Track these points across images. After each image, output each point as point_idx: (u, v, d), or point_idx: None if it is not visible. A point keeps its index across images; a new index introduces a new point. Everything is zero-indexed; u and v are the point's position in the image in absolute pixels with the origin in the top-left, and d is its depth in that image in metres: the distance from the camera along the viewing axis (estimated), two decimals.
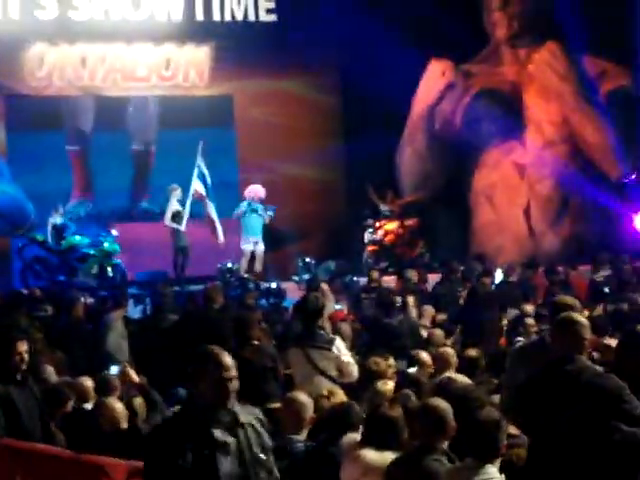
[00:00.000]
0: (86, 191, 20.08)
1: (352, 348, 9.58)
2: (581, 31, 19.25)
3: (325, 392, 6.99)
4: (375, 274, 16.00)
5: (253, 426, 4.74)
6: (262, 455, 4.71)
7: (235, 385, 4.69)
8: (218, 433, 4.58)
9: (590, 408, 5.53)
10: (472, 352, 8.67)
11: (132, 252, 18.38)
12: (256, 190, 18.40)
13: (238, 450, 4.62)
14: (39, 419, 6.73)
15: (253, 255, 18.14)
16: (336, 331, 9.69)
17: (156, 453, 4.59)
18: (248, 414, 4.78)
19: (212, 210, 18.29)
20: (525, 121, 20.76)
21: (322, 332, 8.57)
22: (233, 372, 4.68)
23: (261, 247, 18.21)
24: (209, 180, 18.24)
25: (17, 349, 6.71)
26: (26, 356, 6.78)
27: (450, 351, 8.48)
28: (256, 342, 8.66)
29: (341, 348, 8.39)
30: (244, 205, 18.21)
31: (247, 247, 18.13)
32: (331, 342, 8.36)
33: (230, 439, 4.60)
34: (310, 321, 8.61)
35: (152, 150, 20.71)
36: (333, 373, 8.23)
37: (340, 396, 6.93)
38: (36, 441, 6.45)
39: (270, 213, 18.30)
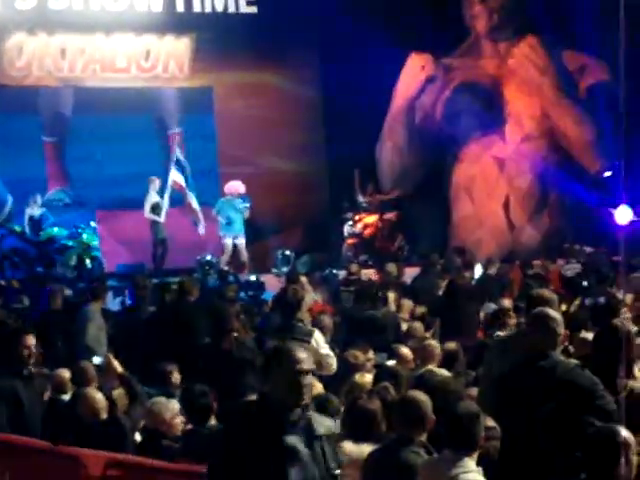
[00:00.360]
0: (63, 180, 19.97)
1: (332, 341, 9.58)
2: (561, 25, 19.29)
3: None
4: (354, 267, 16.02)
5: (329, 438, 4.56)
6: (337, 471, 4.55)
7: (309, 379, 4.51)
8: (292, 440, 4.38)
9: (564, 403, 5.58)
10: (451, 345, 8.69)
11: (113, 242, 18.42)
12: (236, 187, 18.42)
13: (312, 462, 4.40)
14: (40, 415, 6.80)
15: (235, 248, 18.16)
16: (317, 324, 9.70)
17: (223, 454, 4.39)
18: (324, 425, 4.58)
19: (193, 200, 18.35)
20: (505, 115, 20.79)
21: (301, 324, 8.58)
22: (306, 365, 4.49)
23: (242, 241, 18.25)
24: (188, 170, 18.25)
25: (25, 342, 6.74)
26: (34, 350, 6.82)
27: (434, 344, 8.48)
28: (235, 334, 8.66)
29: (320, 341, 8.40)
30: (225, 203, 18.21)
31: (228, 241, 18.16)
32: (310, 334, 8.37)
33: (304, 449, 4.39)
34: (289, 314, 8.62)
35: None
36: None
37: (317, 388, 6.93)
38: (36, 437, 6.46)
39: (246, 205, 18.31)
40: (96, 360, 8.72)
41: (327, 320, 9.92)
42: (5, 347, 6.84)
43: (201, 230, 18.32)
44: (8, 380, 6.65)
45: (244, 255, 18.22)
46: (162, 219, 18.02)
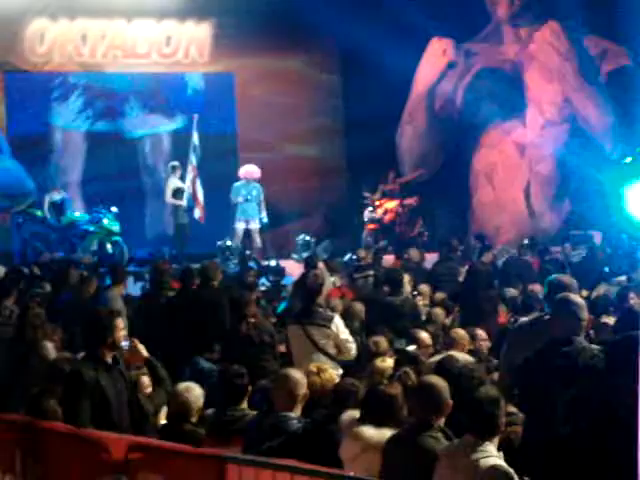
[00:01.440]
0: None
1: (362, 328, 9.61)
2: (582, 10, 19.19)
3: (314, 368, 7.00)
4: (362, 252, 15.96)
5: None
6: None
7: None
8: None
9: (587, 389, 5.56)
10: (479, 331, 8.71)
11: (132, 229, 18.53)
12: (251, 171, 18.34)
13: None
14: (128, 405, 6.46)
15: (248, 233, 18.08)
16: (347, 310, 9.76)
17: None
18: None
19: (198, 185, 18.40)
20: (526, 101, 20.71)
21: (321, 310, 8.60)
22: None
23: (255, 226, 18.08)
24: (199, 153, 18.38)
25: (117, 326, 6.47)
26: (124, 334, 6.59)
27: (461, 332, 8.47)
28: (253, 319, 8.70)
29: (340, 326, 8.43)
30: (240, 187, 18.11)
31: (239, 226, 18.06)
32: (330, 320, 8.39)
33: None
34: (309, 299, 8.64)
35: None
36: (332, 351, 8.27)
37: (329, 372, 6.95)
38: (124, 430, 6.17)
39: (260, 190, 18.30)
40: (123, 344, 8.76)
41: (358, 307, 9.95)
42: (96, 333, 6.46)
43: (197, 214, 18.40)
44: (92, 372, 6.28)
45: (257, 241, 18.08)
46: (184, 203, 18.08)
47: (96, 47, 20.02)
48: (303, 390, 6.35)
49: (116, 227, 17.47)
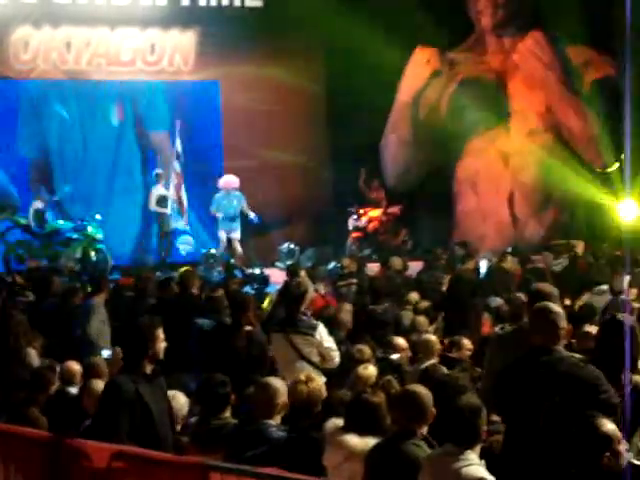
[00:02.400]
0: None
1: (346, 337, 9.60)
2: (566, 20, 19.29)
3: (303, 378, 7.00)
4: (347, 261, 16.00)
5: None
6: None
7: None
8: None
9: (567, 398, 5.59)
10: (464, 340, 8.72)
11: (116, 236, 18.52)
12: (230, 181, 18.52)
13: None
14: (169, 418, 6.20)
15: (230, 242, 18.27)
16: (334, 319, 9.75)
17: None
18: None
19: (183, 192, 18.50)
20: (509, 110, 20.80)
21: (305, 318, 8.58)
22: None
23: (236, 235, 18.32)
24: (183, 160, 18.51)
25: (158, 336, 6.17)
26: (164, 345, 6.22)
27: (434, 339, 8.51)
28: (248, 327, 8.66)
29: (323, 334, 8.41)
30: (220, 199, 18.29)
31: (222, 235, 18.31)
32: (314, 328, 8.37)
33: None
34: (292, 307, 8.62)
35: None
36: (315, 359, 8.25)
37: (317, 381, 6.96)
38: (167, 444, 5.94)
39: (242, 199, 18.45)
40: (104, 354, 8.76)
41: (345, 317, 9.94)
42: (136, 343, 6.17)
43: (181, 222, 18.55)
44: (132, 385, 5.97)
45: (238, 249, 18.29)
46: (169, 211, 18.14)
47: (80, 55, 19.99)
48: (282, 399, 6.35)
49: (100, 235, 17.46)
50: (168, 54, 20.56)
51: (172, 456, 5.35)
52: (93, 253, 17.33)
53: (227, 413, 6.60)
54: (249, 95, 20.64)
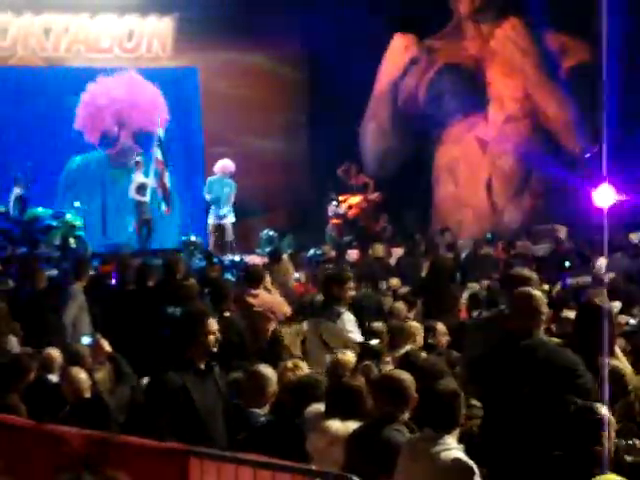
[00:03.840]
0: None
1: None
2: (543, 6, 19.30)
3: (290, 365, 7.01)
4: (327, 247, 16.04)
5: None
6: None
7: None
8: None
9: (545, 382, 5.63)
10: (439, 325, 8.75)
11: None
12: (227, 165, 18.47)
13: None
14: (223, 415, 5.89)
15: (220, 228, 18.20)
16: (311, 304, 9.73)
17: None
18: None
19: (166, 179, 18.45)
20: (487, 96, 20.83)
21: (336, 305, 8.43)
22: None
23: (229, 221, 18.26)
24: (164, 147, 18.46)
25: (208, 328, 5.90)
26: (218, 337, 5.95)
27: (415, 324, 8.53)
28: (227, 314, 8.64)
29: (346, 321, 8.18)
30: (213, 183, 18.26)
31: (211, 221, 18.23)
32: (338, 315, 8.10)
33: None
34: (324, 292, 8.51)
35: None
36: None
37: (304, 369, 6.98)
38: (217, 443, 5.62)
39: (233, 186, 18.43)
40: (85, 340, 8.75)
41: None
42: (186, 334, 5.94)
43: (163, 207, 18.47)
44: (178, 377, 5.72)
45: (230, 235, 18.22)
46: (148, 199, 18.10)
47: (59, 41, 19.92)
48: (273, 387, 6.37)
49: (79, 222, 17.43)
50: (146, 40, 20.53)
51: (152, 442, 5.35)
52: (72, 240, 17.30)
53: None
54: (228, 81, 20.64)
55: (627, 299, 9.60)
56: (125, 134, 20.09)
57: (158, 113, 19.57)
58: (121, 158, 19.91)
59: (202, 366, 5.87)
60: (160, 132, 18.64)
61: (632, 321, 8.64)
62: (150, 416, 5.87)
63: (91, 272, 12.56)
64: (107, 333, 7.81)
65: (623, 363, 6.41)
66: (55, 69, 19.93)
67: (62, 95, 19.56)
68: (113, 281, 11.94)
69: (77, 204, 17.75)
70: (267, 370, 6.49)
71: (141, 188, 18.10)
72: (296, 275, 13.35)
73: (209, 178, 18.40)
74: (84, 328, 10.25)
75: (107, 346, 7.16)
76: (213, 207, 18.20)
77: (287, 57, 21.13)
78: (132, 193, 18.18)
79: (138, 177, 18.23)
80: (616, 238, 14.56)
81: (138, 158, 18.50)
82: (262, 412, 6.31)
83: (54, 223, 17.34)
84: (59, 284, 11.64)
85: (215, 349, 5.87)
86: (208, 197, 18.19)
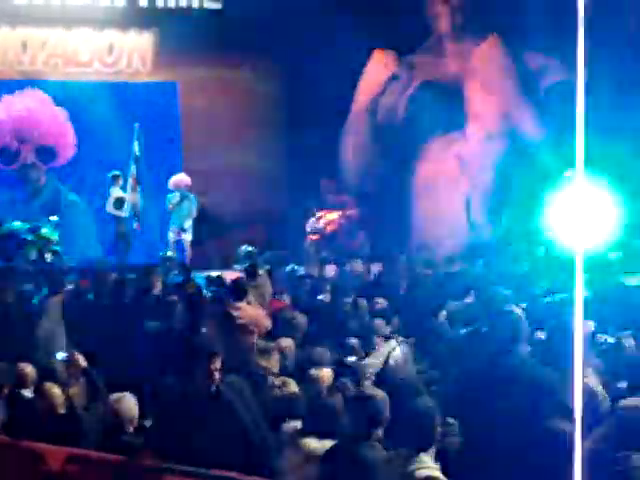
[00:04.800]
0: None
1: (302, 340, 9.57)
2: (523, 26, 19.41)
3: (278, 382, 6.99)
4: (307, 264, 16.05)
5: None
6: None
7: None
8: None
9: (524, 400, 5.63)
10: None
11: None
12: (182, 179, 18.57)
13: None
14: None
15: (180, 244, 18.31)
16: (290, 322, 9.73)
17: None
18: None
19: (137, 195, 18.48)
20: (467, 114, 20.90)
21: None
22: None
23: (188, 237, 18.34)
24: (141, 163, 18.45)
25: (214, 364, 6.09)
26: (217, 375, 6.10)
27: (379, 341, 8.54)
28: (203, 330, 8.67)
29: None
30: (177, 196, 18.32)
31: (171, 237, 18.32)
32: None
33: None
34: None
35: None
36: None
37: (292, 386, 6.95)
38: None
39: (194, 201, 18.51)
40: (60, 355, 8.70)
41: (301, 319, 9.94)
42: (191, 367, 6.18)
43: (135, 225, 18.51)
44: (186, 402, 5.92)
45: (189, 251, 18.32)
46: (125, 213, 18.07)
47: (36, 55, 19.86)
48: None
49: (55, 236, 17.36)
50: (126, 55, 20.48)
51: (126, 459, 5.31)
52: (48, 255, 17.23)
53: None
54: (207, 97, 20.63)
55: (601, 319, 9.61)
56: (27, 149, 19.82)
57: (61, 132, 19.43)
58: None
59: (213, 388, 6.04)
60: (136, 147, 18.62)
61: (609, 340, 8.64)
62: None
63: (70, 286, 12.54)
64: (83, 348, 7.77)
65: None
66: (32, 82, 19.82)
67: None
68: (90, 296, 11.88)
69: (53, 218, 17.69)
70: None
71: (117, 202, 18.11)
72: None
73: (170, 194, 18.51)
74: (59, 342, 10.19)
75: (83, 361, 7.11)
76: (172, 222, 18.33)
77: (266, 73, 21.16)
78: (109, 207, 18.19)
79: (116, 191, 18.23)
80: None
81: (116, 172, 18.49)
82: None
83: (30, 237, 17.26)
84: (33, 298, 11.58)
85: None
86: (173, 212, 18.35)
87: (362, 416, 5.52)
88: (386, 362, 8.18)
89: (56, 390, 6.99)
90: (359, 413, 5.55)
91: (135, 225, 18.52)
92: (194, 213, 18.48)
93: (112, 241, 18.73)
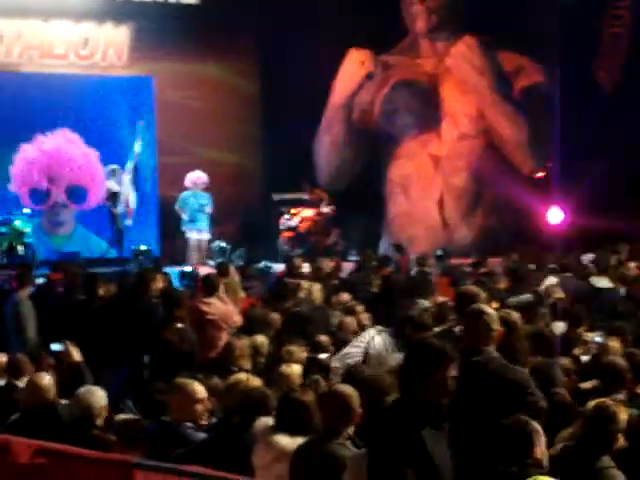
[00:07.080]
0: None
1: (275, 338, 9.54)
2: (499, 26, 19.50)
3: (244, 378, 6.98)
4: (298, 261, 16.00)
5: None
6: None
7: None
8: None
9: (495, 399, 5.65)
10: None
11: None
12: (201, 178, 18.56)
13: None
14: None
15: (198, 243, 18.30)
16: (264, 321, 9.71)
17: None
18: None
19: (132, 196, 18.53)
20: (441, 113, 20.97)
21: None
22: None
23: (205, 236, 18.34)
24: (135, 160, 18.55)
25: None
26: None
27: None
28: (180, 325, 8.65)
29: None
30: (188, 197, 18.30)
31: (192, 236, 18.25)
32: None
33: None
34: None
35: None
36: None
37: (256, 382, 6.95)
38: None
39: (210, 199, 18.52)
40: (54, 347, 8.66)
41: (276, 317, 9.93)
42: None
43: (129, 222, 18.52)
44: None
45: (204, 251, 18.27)
46: (118, 210, 18.21)
47: (12, 47, 19.73)
48: (203, 403, 6.35)
49: (28, 228, 17.29)
50: (102, 48, 20.39)
51: (96, 453, 5.29)
52: (20, 247, 17.14)
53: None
54: (183, 91, 20.59)
55: (574, 319, 9.66)
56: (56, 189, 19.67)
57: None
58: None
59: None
60: (137, 147, 18.71)
61: (597, 339, 8.68)
62: None
63: (40, 280, 12.49)
64: (53, 341, 7.75)
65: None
66: (6, 75, 19.68)
67: (15, 101, 19.35)
68: (61, 289, 11.85)
69: (26, 210, 17.63)
70: (195, 384, 6.45)
71: (112, 196, 18.22)
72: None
73: (184, 193, 18.42)
74: (31, 335, 10.17)
75: (76, 354, 7.10)
76: (190, 223, 18.24)
77: (242, 69, 21.15)
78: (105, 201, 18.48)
79: (111, 185, 18.36)
80: (566, 258, 14.66)
81: (114, 166, 18.63)
82: (190, 425, 6.26)
83: (2, 229, 17.18)
84: (3, 291, 11.55)
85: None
86: (183, 212, 18.22)
87: (333, 413, 5.53)
88: (366, 351, 8.18)
89: (44, 382, 6.92)
90: (330, 410, 5.56)
91: (128, 219, 18.55)
92: (209, 211, 18.42)
93: (109, 237, 18.79)
